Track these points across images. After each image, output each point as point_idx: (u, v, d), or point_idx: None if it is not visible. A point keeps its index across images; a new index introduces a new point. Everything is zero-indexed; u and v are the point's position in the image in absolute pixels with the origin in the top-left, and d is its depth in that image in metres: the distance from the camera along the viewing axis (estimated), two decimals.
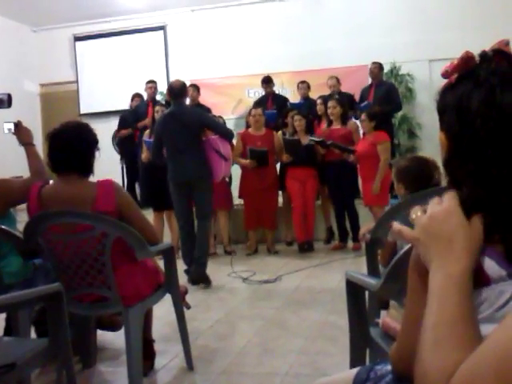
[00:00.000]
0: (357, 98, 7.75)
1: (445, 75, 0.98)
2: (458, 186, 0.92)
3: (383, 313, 2.56)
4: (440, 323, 0.81)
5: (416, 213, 0.94)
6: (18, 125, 3.00)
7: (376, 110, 6.50)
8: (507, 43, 0.97)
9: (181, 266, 5.10)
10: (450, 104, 0.94)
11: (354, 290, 2.05)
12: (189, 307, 3.28)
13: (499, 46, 0.96)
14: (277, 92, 8.66)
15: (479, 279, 0.87)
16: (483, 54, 0.95)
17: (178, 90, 5.18)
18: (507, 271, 0.87)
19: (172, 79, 9.33)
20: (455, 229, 0.87)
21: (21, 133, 3.00)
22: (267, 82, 7.91)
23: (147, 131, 6.74)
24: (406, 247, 1.63)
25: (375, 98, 7.41)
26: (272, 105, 7.77)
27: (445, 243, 0.87)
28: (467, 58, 0.96)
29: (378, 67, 7.64)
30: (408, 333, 1.00)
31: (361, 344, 2.06)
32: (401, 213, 2.45)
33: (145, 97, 8.40)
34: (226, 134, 5.34)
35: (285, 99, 8.06)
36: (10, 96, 3.12)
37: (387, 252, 2.69)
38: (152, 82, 8.27)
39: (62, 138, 2.67)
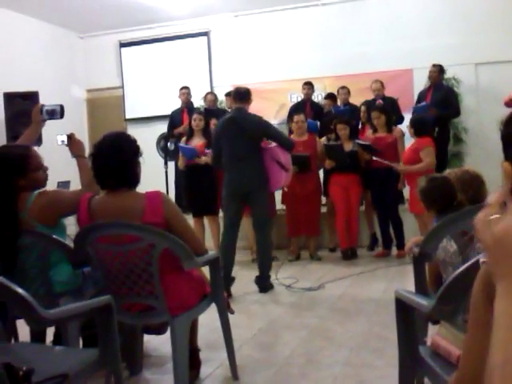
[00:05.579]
0: (402, 102, 7.63)
1: (509, 104, 0.95)
2: None
3: (431, 327, 2.52)
4: (509, 361, 0.73)
5: (488, 215, 0.86)
6: (70, 137, 3.08)
7: (418, 116, 6.49)
8: None
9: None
10: None
11: (403, 307, 2.02)
12: (233, 312, 3.29)
13: None
14: (320, 96, 8.65)
15: None
16: None
17: (242, 95, 5.13)
18: None
19: (215, 84, 9.54)
20: None
21: (73, 145, 3.08)
22: (309, 84, 7.93)
23: (184, 138, 6.79)
24: (458, 270, 1.59)
25: (432, 101, 7.30)
26: (310, 110, 7.74)
27: None
28: None
29: (437, 70, 7.51)
30: (470, 364, 0.96)
31: (410, 363, 2.02)
32: (452, 228, 2.40)
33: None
34: (288, 145, 5.24)
35: (321, 108, 8.01)
36: (62, 107, 3.20)
37: (431, 273, 2.65)
38: (185, 88, 8.29)
39: (102, 157, 2.66)
